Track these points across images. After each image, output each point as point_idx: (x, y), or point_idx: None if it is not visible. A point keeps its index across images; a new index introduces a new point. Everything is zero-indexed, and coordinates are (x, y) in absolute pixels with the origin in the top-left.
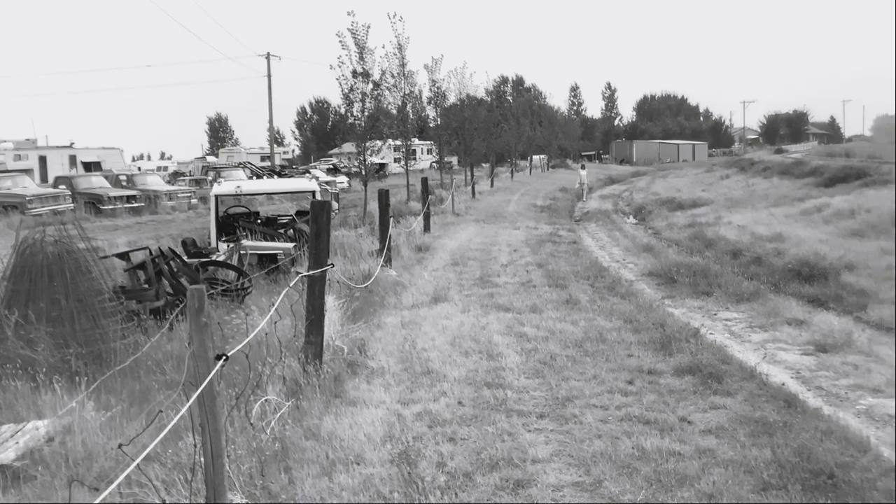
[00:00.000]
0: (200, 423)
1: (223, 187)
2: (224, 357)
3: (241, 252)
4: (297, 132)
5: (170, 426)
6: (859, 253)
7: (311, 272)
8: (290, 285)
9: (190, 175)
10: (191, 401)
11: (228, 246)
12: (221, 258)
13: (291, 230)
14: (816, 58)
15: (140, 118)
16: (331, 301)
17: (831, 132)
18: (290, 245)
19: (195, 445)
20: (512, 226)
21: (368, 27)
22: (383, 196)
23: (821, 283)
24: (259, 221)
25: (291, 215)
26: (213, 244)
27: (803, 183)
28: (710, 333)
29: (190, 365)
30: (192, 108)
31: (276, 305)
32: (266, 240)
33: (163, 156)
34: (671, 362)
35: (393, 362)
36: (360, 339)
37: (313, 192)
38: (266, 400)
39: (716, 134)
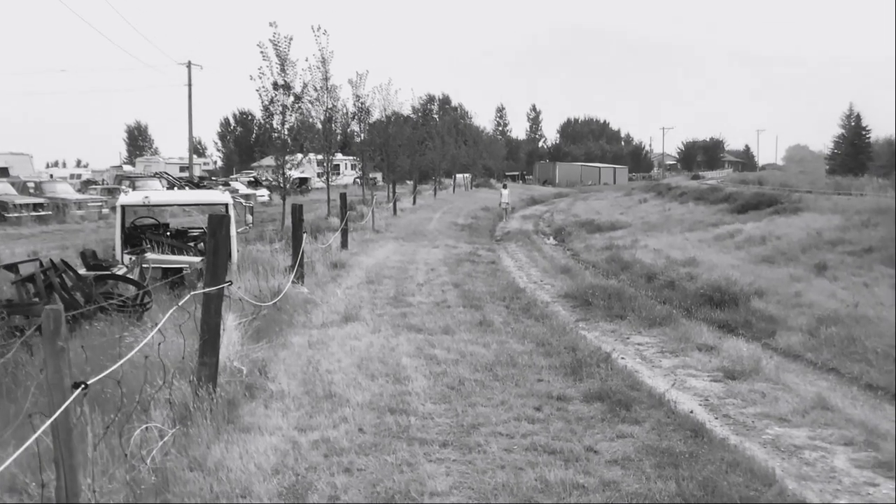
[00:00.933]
0: (54, 458)
1: (130, 197)
2: (83, 385)
3: (144, 265)
4: (219, 144)
5: (7, 462)
6: (769, 279)
7: (207, 289)
8: (180, 304)
9: (103, 184)
10: (36, 433)
11: (131, 259)
12: (123, 271)
13: (202, 244)
14: (733, 88)
15: (55, 124)
16: (231, 319)
17: (746, 160)
18: (198, 259)
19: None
20: (431, 244)
21: (291, 39)
22: (296, 211)
23: (731, 308)
24: (168, 234)
25: (202, 228)
26: (118, 257)
27: (717, 209)
28: (622, 358)
29: (48, 391)
30: (111, 115)
31: (159, 325)
32: (174, 253)
33: (79, 163)
34: (581, 388)
35: (295, 385)
36: (262, 360)
37: (225, 205)
38: (147, 427)
39: (636, 158)
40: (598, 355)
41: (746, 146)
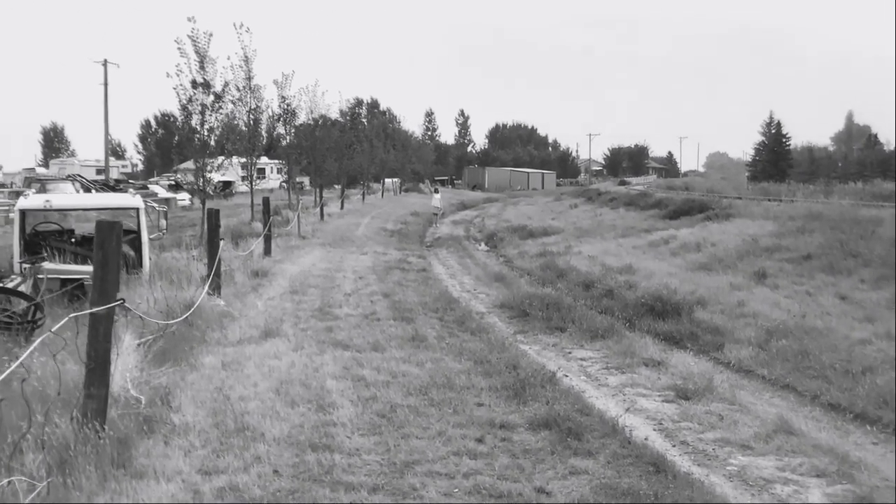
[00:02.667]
0: None
1: (30, 201)
2: None
3: (39, 276)
4: (140, 146)
5: None
6: (709, 288)
7: (93, 309)
8: (52, 329)
9: (11, 187)
10: None
11: (24, 268)
12: (15, 283)
13: None
14: (656, 96)
15: None
16: (130, 340)
17: (669, 166)
18: None
19: None
20: (360, 251)
21: (210, 35)
22: (212, 216)
23: (674, 319)
24: (73, 240)
25: None
26: (16, 266)
27: (648, 214)
28: (566, 376)
29: None
30: (27, 116)
31: (30, 349)
32: (78, 261)
33: None
34: (526, 413)
35: (202, 416)
36: (166, 387)
37: (136, 209)
38: (9, 482)
39: (563, 164)
40: (542, 374)
41: (669, 153)
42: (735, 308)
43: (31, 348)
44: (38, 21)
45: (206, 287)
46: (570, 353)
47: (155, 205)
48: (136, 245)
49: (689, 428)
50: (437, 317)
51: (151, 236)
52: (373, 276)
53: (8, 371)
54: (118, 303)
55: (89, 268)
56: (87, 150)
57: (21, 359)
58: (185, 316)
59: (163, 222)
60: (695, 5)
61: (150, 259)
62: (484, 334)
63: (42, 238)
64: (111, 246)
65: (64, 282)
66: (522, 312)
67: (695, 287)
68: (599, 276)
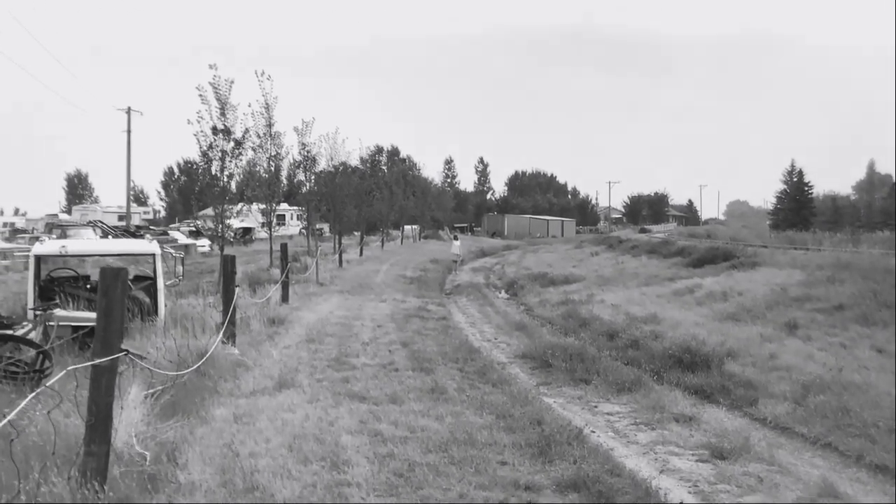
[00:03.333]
0: None
1: (45, 247)
2: None
3: (50, 323)
4: (163, 192)
5: None
6: (738, 339)
7: (95, 361)
8: (48, 384)
9: (33, 232)
10: None
11: (35, 315)
12: (24, 330)
13: (126, 297)
14: (676, 144)
15: None
16: (136, 392)
17: (689, 214)
18: None
19: None
20: (378, 298)
21: (232, 82)
22: (227, 263)
23: (704, 371)
24: (88, 286)
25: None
26: (29, 313)
27: (672, 262)
28: (593, 432)
29: None
30: (52, 163)
31: (16, 411)
32: (92, 308)
33: (17, 212)
34: (552, 473)
35: (210, 474)
36: (173, 442)
37: (153, 255)
38: None
39: (583, 212)
40: (569, 430)
41: (689, 201)
42: (767, 360)
43: (23, 403)
44: (67, 69)
45: (220, 335)
46: (595, 406)
47: (172, 251)
48: (152, 291)
49: (726, 491)
50: (458, 367)
51: (168, 283)
52: (391, 325)
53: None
54: (122, 354)
55: None
56: (111, 196)
57: (11, 415)
58: (196, 366)
59: (179, 269)
60: (713, 55)
61: (165, 306)
62: (506, 386)
63: (57, 284)
64: (115, 293)
65: (75, 329)
66: (545, 363)
67: (723, 338)
68: (624, 325)
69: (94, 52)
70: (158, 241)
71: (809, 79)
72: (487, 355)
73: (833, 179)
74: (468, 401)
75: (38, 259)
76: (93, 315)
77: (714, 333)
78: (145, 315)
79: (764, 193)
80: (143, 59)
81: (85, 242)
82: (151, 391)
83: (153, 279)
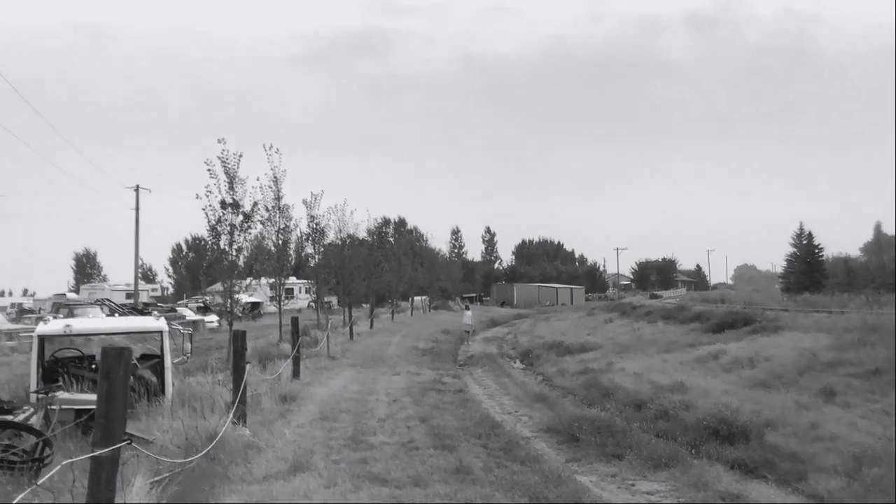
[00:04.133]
0: None
1: (49, 326)
2: None
3: (52, 406)
4: (171, 269)
5: None
6: (773, 407)
7: (95, 452)
8: (40, 483)
9: (39, 312)
10: None
11: (37, 398)
12: (24, 416)
13: (132, 377)
14: (682, 209)
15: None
16: (140, 483)
17: (698, 279)
18: None
19: None
20: (392, 371)
21: (240, 156)
22: (238, 338)
23: (742, 443)
24: (94, 367)
25: (133, 360)
26: (32, 396)
27: (690, 328)
28: None
29: None
30: (60, 243)
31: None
32: (94, 390)
33: (25, 292)
34: None
35: None
36: None
37: (160, 332)
38: None
39: (591, 279)
40: None
41: (698, 265)
42: (808, 431)
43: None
44: (73, 146)
45: (231, 416)
46: (633, 485)
47: (180, 328)
48: (160, 370)
49: None
50: (481, 444)
51: (176, 360)
52: (408, 399)
53: None
54: (124, 443)
55: None
56: (119, 274)
57: None
58: (205, 450)
59: (187, 346)
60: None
61: (173, 385)
62: (535, 464)
63: (61, 365)
64: (118, 376)
65: (78, 413)
66: (572, 437)
67: (757, 406)
68: (650, 395)
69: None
70: (166, 318)
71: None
72: (510, 430)
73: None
74: (497, 481)
75: (42, 339)
76: (91, 397)
77: (746, 402)
78: (152, 395)
79: (771, 257)
80: (149, 137)
81: (90, 321)
82: (159, 477)
83: (160, 357)
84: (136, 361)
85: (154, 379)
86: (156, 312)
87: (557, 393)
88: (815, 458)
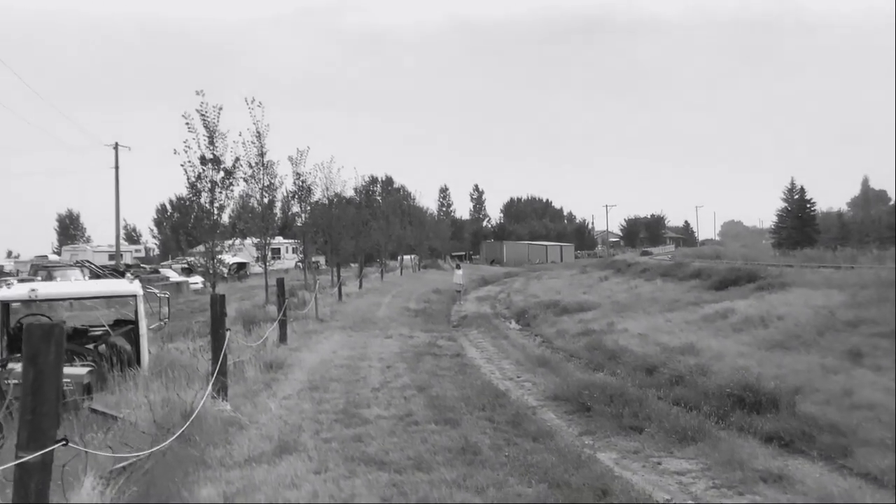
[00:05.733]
0: None
1: (13, 291)
2: None
3: (6, 381)
4: (155, 230)
5: None
6: (797, 371)
7: (21, 460)
8: None
9: (18, 275)
10: None
11: None
12: None
13: (104, 345)
14: (670, 165)
15: None
16: (88, 487)
17: (686, 236)
18: (83, 371)
19: None
20: (384, 334)
21: (220, 108)
22: (216, 303)
23: (772, 413)
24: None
25: (105, 327)
26: None
27: (690, 286)
28: (670, 501)
29: None
30: (44, 203)
31: None
32: (68, 360)
33: (9, 254)
34: None
35: None
36: None
37: (134, 296)
38: None
39: (580, 236)
40: None
41: (686, 222)
42: (842, 398)
43: None
44: (54, 106)
45: (209, 389)
46: (659, 463)
47: (156, 291)
48: (134, 337)
49: None
50: (486, 416)
51: (152, 326)
52: (402, 365)
53: None
54: (59, 444)
55: (72, 369)
56: (103, 236)
57: None
58: (179, 432)
59: (165, 310)
60: (707, 80)
61: (149, 353)
62: (548, 440)
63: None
64: (48, 361)
65: None
66: (582, 406)
67: (779, 370)
68: (661, 358)
69: (80, 88)
70: (149, 280)
71: (798, 90)
72: (515, 399)
73: (826, 198)
74: (509, 463)
75: (6, 305)
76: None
77: (766, 365)
78: (125, 365)
79: (758, 213)
80: (131, 94)
81: (58, 285)
82: (122, 465)
83: (135, 323)
84: (108, 328)
85: (128, 347)
86: (129, 275)
87: (560, 356)
88: (857, 429)
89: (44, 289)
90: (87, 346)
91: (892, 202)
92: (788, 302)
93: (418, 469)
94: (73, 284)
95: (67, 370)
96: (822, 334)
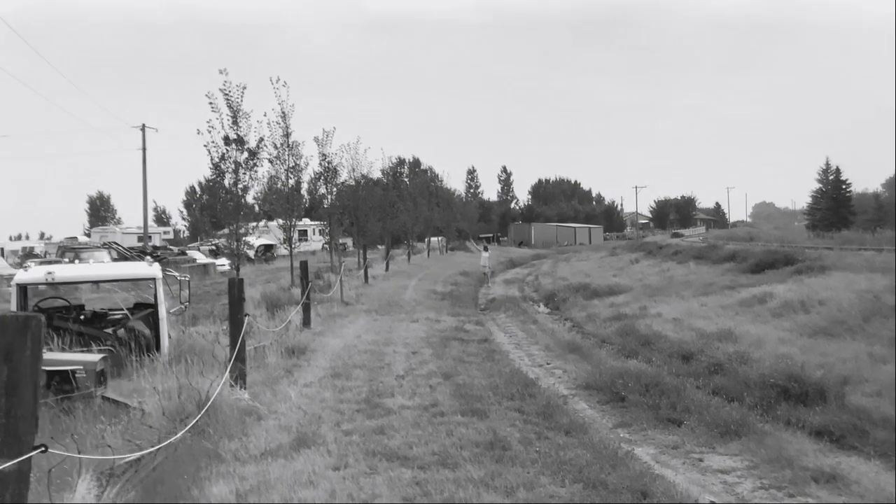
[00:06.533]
0: None
1: (30, 274)
2: None
3: None
4: (185, 212)
5: None
6: (843, 360)
7: None
8: None
9: (45, 256)
10: None
11: None
12: None
13: (122, 330)
14: (703, 146)
15: (14, 195)
16: (83, 489)
17: (717, 217)
18: (96, 358)
19: None
20: (409, 318)
21: (244, 88)
22: (234, 287)
23: (819, 405)
24: (82, 317)
25: (124, 310)
26: None
27: (725, 269)
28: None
29: None
30: (75, 185)
31: None
32: (81, 344)
33: (42, 236)
34: None
35: None
36: None
37: (153, 280)
38: None
39: (609, 217)
40: None
41: (717, 203)
42: (891, 389)
43: None
44: (83, 91)
45: (227, 376)
46: (701, 460)
47: (176, 274)
48: (153, 321)
49: None
50: (515, 407)
51: (172, 310)
52: (428, 351)
53: None
54: (37, 451)
55: (78, 356)
56: (133, 217)
57: None
58: (191, 424)
59: (185, 293)
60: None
61: (169, 337)
62: (582, 434)
63: (47, 316)
64: (23, 358)
65: (50, 374)
66: (616, 396)
67: (824, 358)
68: (697, 344)
69: (109, 71)
70: (167, 263)
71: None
72: (546, 388)
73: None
74: (540, 459)
75: (22, 288)
76: (70, 356)
77: (809, 353)
78: (144, 351)
79: (790, 195)
80: (161, 78)
81: (75, 267)
82: (134, 456)
83: (154, 307)
84: (127, 312)
85: (147, 331)
86: (149, 258)
87: (591, 342)
88: None
89: (60, 272)
90: (105, 331)
91: None
92: (829, 286)
93: (443, 466)
94: (90, 267)
95: (80, 357)
96: (867, 320)
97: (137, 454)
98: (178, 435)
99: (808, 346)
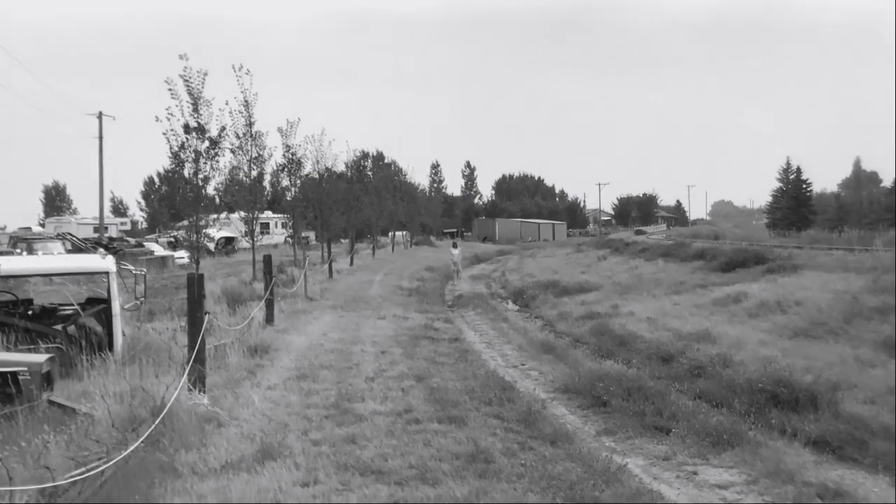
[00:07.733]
0: None
1: None
2: None
3: None
4: (143, 203)
5: None
6: (828, 363)
7: None
8: None
9: None
10: None
11: None
12: None
13: (72, 326)
14: (664, 144)
15: None
16: None
17: (678, 215)
18: (42, 358)
19: None
20: (377, 314)
21: (205, 74)
22: (193, 284)
23: (810, 412)
24: (30, 312)
25: (75, 306)
26: None
27: (694, 267)
28: None
29: None
30: (31, 174)
31: None
32: (28, 341)
33: None
34: None
35: None
36: None
37: (106, 273)
38: None
39: (572, 214)
40: None
41: (678, 201)
42: (888, 395)
43: None
44: (39, 79)
45: (185, 379)
46: (695, 473)
47: (132, 267)
48: (106, 318)
49: None
50: (494, 413)
51: (127, 306)
52: (398, 350)
53: None
54: None
55: (30, 356)
56: (90, 208)
57: None
58: (144, 435)
59: (140, 288)
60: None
61: (123, 335)
62: (567, 444)
63: None
64: None
65: None
66: (597, 400)
67: (808, 361)
68: (676, 345)
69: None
70: (123, 255)
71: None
72: (524, 392)
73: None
74: (527, 474)
75: None
76: (13, 357)
77: (792, 356)
78: (96, 350)
79: (749, 193)
80: (119, 65)
81: (23, 260)
82: (79, 474)
83: (107, 302)
84: (78, 307)
85: (99, 328)
86: (102, 250)
87: (565, 341)
88: None
89: (7, 264)
90: (55, 328)
91: (887, 183)
92: (804, 286)
93: (422, 481)
94: (40, 259)
95: (24, 357)
96: (849, 322)
97: (81, 473)
98: (130, 449)
99: (790, 348)
